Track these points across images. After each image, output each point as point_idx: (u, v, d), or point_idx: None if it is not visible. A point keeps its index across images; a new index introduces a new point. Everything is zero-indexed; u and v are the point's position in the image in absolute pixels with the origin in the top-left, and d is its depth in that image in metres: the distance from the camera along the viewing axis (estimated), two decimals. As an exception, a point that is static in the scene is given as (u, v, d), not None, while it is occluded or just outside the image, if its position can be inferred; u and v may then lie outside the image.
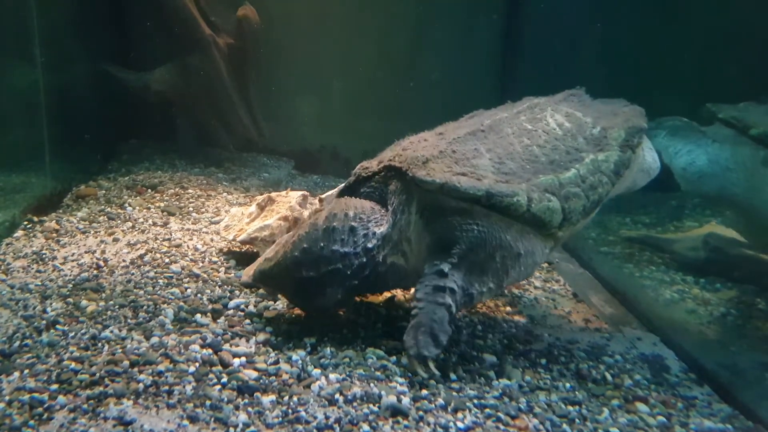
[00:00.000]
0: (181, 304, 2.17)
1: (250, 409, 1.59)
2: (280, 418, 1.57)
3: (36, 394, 1.56)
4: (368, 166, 2.16)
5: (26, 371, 1.67)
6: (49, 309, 2.06)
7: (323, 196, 2.64)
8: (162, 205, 3.44)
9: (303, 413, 1.59)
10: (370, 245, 1.97)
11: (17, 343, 1.82)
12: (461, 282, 1.89)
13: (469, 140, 2.09)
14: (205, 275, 2.48)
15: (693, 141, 2.69)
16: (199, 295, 2.28)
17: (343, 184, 2.27)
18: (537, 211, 1.92)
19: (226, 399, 1.62)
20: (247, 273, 2.23)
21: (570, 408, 1.80)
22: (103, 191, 3.56)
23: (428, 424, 1.61)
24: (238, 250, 2.79)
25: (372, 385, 1.75)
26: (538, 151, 2.07)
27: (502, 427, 1.66)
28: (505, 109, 2.33)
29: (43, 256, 2.56)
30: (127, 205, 3.36)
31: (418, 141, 2.16)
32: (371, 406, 1.65)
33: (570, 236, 2.22)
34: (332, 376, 1.77)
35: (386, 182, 2.08)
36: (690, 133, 2.75)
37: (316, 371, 1.80)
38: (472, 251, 1.91)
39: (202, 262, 2.64)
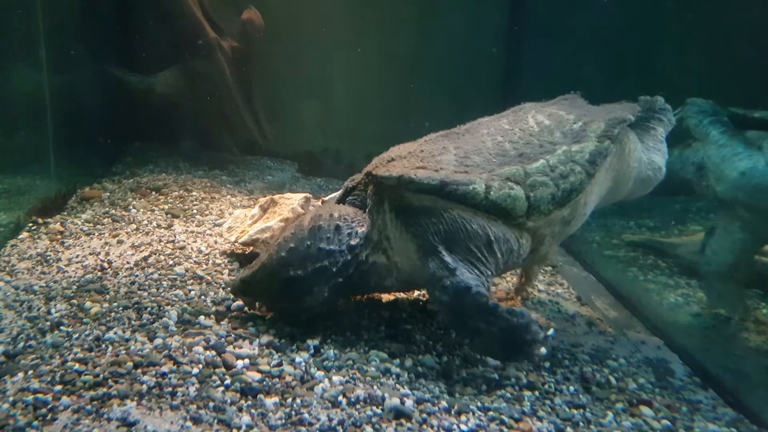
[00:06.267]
0: (185, 306, 2.17)
1: (253, 410, 1.59)
2: (283, 420, 1.57)
3: (40, 395, 1.56)
4: (354, 177, 2.25)
5: (30, 372, 1.67)
6: (53, 310, 2.07)
7: (326, 198, 2.64)
8: (166, 207, 3.45)
9: (306, 415, 1.59)
10: (353, 243, 2.02)
11: (21, 344, 1.83)
12: (469, 275, 1.89)
13: (439, 140, 2.16)
14: (208, 277, 2.49)
15: (754, 144, 2.51)
16: (202, 297, 2.28)
17: (339, 192, 2.33)
18: (497, 198, 1.92)
19: (229, 401, 1.62)
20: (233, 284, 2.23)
21: (574, 411, 1.80)
22: (108, 193, 3.57)
23: (431, 427, 1.61)
24: (241, 251, 2.79)
25: (375, 387, 1.75)
26: (509, 146, 2.07)
27: (505, 430, 1.66)
28: (498, 115, 2.34)
29: (48, 257, 2.57)
30: (131, 207, 3.37)
31: (398, 148, 2.22)
32: (374, 408, 1.65)
33: (558, 233, 2.14)
34: (335, 379, 1.77)
35: (366, 188, 2.15)
36: (746, 136, 2.57)
37: (320, 373, 1.80)
38: (451, 250, 1.93)
39: (206, 264, 2.65)
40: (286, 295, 2.04)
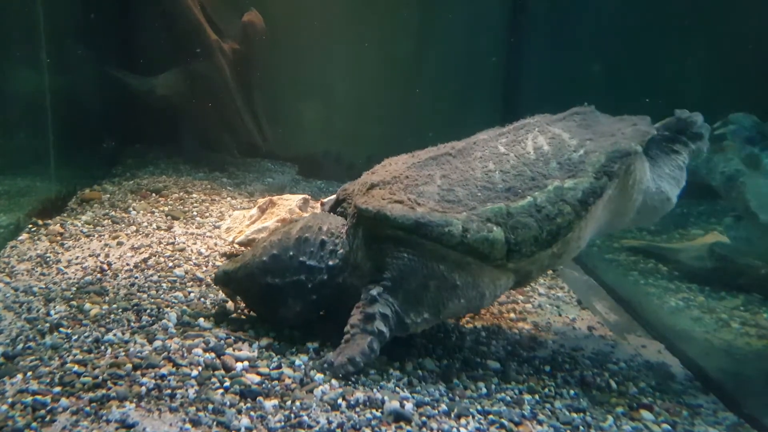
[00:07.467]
0: (185, 307, 2.16)
1: (252, 413, 1.59)
2: (283, 423, 1.56)
3: (39, 397, 1.56)
4: (346, 187, 2.23)
5: (29, 373, 1.67)
6: (52, 312, 2.06)
7: (325, 200, 2.64)
8: (166, 209, 3.45)
9: (305, 418, 1.58)
10: (331, 263, 2.00)
11: (20, 346, 1.82)
12: (396, 307, 1.87)
13: (428, 165, 2.05)
14: (208, 279, 2.48)
15: None
16: (202, 299, 2.28)
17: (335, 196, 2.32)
18: (473, 241, 1.83)
19: (228, 403, 1.61)
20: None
21: (574, 415, 1.79)
22: (108, 195, 3.57)
23: (431, 430, 1.60)
24: (240, 252, 2.79)
25: (375, 390, 1.75)
26: (499, 177, 1.95)
27: (505, 433, 1.65)
28: (500, 130, 2.22)
29: (47, 259, 2.56)
30: (131, 209, 3.37)
31: (389, 164, 2.16)
32: (374, 411, 1.64)
33: (548, 265, 2.05)
34: (335, 381, 1.77)
35: (352, 202, 2.10)
36: None
37: (319, 376, 1.79)
38: (403, 279, 1.88)
39: (206, 266, 2.64)
40: (261, 300, 2.06)
